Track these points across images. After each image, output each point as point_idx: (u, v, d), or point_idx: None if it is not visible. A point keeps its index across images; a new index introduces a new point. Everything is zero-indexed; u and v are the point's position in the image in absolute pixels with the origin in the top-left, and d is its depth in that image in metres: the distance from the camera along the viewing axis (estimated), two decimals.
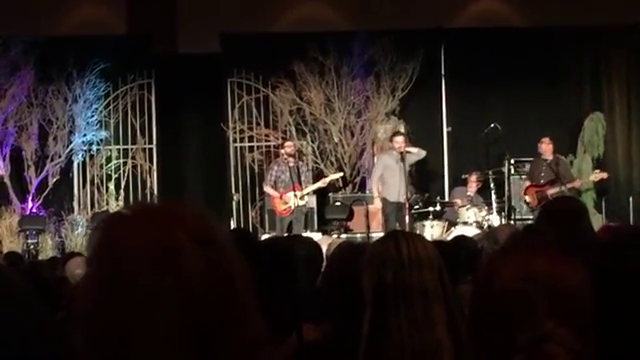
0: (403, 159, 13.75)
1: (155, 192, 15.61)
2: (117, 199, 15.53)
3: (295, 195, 13.89)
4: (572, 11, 16.10)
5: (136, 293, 1.40)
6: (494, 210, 13.98)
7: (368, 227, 14.00)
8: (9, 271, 1.96)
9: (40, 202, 15.18)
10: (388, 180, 13.73)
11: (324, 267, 4.56)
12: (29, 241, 14.46)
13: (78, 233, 14.90)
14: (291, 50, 15.46)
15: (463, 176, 15.01)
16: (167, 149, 16.07)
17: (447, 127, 16.03)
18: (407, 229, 12.85)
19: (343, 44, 15.58)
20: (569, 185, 14.17)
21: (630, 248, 2.42)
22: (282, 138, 15.52)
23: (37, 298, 1.98)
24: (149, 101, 15.90)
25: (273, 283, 4.17)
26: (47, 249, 14.57)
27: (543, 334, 1.84)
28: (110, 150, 15.77)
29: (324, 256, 5.07)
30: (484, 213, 13.86)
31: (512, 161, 14.81)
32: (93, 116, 15.48)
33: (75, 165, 15.52)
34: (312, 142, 15.85)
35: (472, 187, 14.70)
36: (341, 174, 15.25)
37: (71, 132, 15.36)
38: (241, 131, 15.92)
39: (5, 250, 12.89)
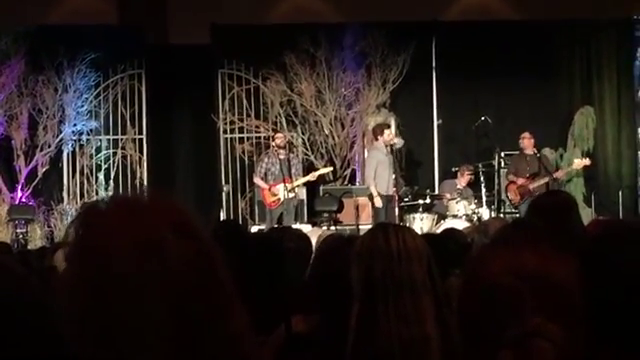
0: (392, 151, 13.80)
1: (145, 182, 15.58)
2: (107, 189, 15.50)
3: (285, 187, 13.88)
4: (563, 5, 16.11)
5: (121, 290, 1.40)
6: (484, 203, 14.00)
7: (358, 219, 14.01)
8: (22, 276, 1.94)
9: (29, 192, 15.14)
10: (379, 173, 13.76)
11: (313, 259, 4.56)
12: (18, 230, 14.43)
13: (67, 223, 14.87)
14: (282, 41, 15.43)
15: (453, 169, 15.01)
16: (157, 140, 16.03)
17: (437, 120, 16.02)
18: (396, 222, 12.88)
19: (334, 36, 15.57)
20: (554, 175, 14.22)
21: (620, 241, 2.43)
22: (272, 129, 15.50)
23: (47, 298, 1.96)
24: (139, 91, 15.86)
25: (262, 274, 4.17)
26: (36, 239, 14.55)
27: (531, 329, 1.85)
28: (100, 140, 15.72)
29: (313, 248, 5.07)
30: (474, 206, 13.88)
31: (502, 154, 14.82)
32: (83, 106, 15.43)
33: (65, 155, 15.48)
34: (302, 134, 15.83)
35: (462, 180, 14.70)
36: (331, 168, 15.23)
37: (61, 122, 15.30)
38: (231, 122, 15.90)
39: None
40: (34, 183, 15.19)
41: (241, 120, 15.87)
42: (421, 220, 13.79)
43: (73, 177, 15.55)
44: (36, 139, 15.20)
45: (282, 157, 14.13)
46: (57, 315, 1.81)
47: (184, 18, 15.93)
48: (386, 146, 13.72)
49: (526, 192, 13.95)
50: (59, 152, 15.40)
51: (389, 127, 14.35)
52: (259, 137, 15.86)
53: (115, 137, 15.76)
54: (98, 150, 15.68)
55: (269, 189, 14.05)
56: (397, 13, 15.75)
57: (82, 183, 15.55)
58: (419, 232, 11.61)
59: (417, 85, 16.04)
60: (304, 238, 5.21)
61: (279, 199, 13.98)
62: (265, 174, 14.18)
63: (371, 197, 13.62)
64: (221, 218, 14.76)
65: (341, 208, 14.35)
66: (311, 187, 14.85)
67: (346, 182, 15.58)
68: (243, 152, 15.79)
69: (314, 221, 14.25)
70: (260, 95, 15.83)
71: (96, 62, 15.35)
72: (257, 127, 15.89)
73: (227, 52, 15.76)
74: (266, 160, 14.28)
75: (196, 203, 15.07)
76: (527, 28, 16.01)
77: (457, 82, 15.94)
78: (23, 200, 15.09)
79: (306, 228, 12.10)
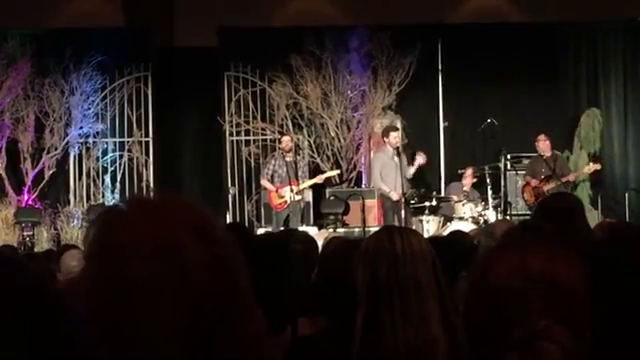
0: (399, 154, 13.79)
1: (151, 185, 15.59)
2: (113, 192, 15.52)
3: (291, 190, 13.89)
4: (569, 7, 16.10)
5: (139, 292, 1.40)
6: (490, 205, 13.98)
7: (364, 221, 13.99)
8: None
9: (36, 194, 15.16)
10: (385, 176, 13.77)
11: (319, 262, 4.56)
12: (25, 233, 14.42)
13: (74, 225, 14.89)
14: (288, 44, 15.44)
15: (459, 171, 15.01)
16: (163, 142, 16.04)
17: (444, 122, 16.03)
18: (403, 224, 12.88)
19: (340, 38, 15.58)
20: (564, 179, 14.24)
21: (627, 244, 2.42)
22: (279, 132, 15.51)
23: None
24: (146, 94, 15.87)
25: (268, 277, 4.17)
26: (42, 241, 14.55)
27: (538, 332, 1.84)
28: (106, 143, 15.74)
29: (320, 250, 5.06)
30: (480, 208, 13.87)
31: (508, 156, 14.80)
32: (89, 109, 15.45)
33: (71, 157, 15.49)
34: (308, 136, 15.83)
35: (468, 182, 14.69)
36: (338, 171, 15.24)
37: (67, 124, 15.32)
38: (237, 125, 15.91)
39: (1, 242, 12.86)
40: (40, 186, 15.21)
41: (247, 123, 15.88)
42: (427, 222, 13.79)
43: (79, 180, 15.56)
44: (42, 142, 15.21)
45: (289, 159, 14.14)
46: (68, 316, 1.81)
47: (190, 21, 15.94)
48: (393, 149, 13.72)
49: (540, 194, 13.99)
50: (65, 155, 15.42)
51: (397, 129, 14.35)
52: (265, 140, 15.86)
53: (121, 140, 15.78)
54: (104, 153, 15.69)
55: (276, 191, 14.06)
56: (403, 15, 15.75)
57: (88, 186, 15.56)
58: (425, 234, 11.64)
59: (423, 87, 16.04)
60: (310, 240, 5.21)
61: (286, 201, 14.00)
62: (272, 176, 14.20)
63: (383, 197, 13.65)
64: (227, 220, 14.75)
65: (347, 210, 14.34)
66: (317, 189, 14.84)
67: (352, 184, 15.57)
68: (249, 155, 15.80)
69: (320, 223, 14.25)
70: (266, 98, 15.84)
71: (102, 65, 15.38)
72: (263, 130, 15.89)
73: (233, 55, 15.77)
74: (273, 162, 14.30)
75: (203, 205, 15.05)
76: (533, 30, 15.99)
77: (463, 84, 15.93)
78: (30, 203, 15.11)
79: (312, 230, 12.12)
